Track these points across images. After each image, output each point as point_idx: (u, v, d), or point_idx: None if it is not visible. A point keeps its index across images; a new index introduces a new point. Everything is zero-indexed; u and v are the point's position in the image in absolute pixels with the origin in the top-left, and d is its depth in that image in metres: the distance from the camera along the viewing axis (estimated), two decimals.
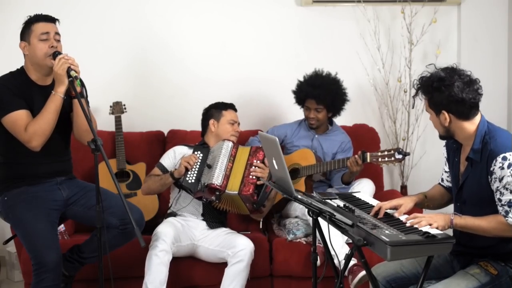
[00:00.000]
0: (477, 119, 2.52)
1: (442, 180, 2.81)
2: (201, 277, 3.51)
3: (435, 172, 4.24)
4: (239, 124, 3.73)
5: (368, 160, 3.51)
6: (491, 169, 2.43)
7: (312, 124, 3.95)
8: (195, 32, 4.49)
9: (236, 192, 3.37)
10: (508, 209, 2.40)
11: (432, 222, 2.40)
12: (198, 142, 3.74)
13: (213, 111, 3.69)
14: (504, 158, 2.40)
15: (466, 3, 4.59)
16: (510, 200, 2.39)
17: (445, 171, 2.78)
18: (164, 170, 3.56)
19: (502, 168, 2.40)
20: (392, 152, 3.41)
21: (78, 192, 3.18)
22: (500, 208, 2.42)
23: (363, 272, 3.37)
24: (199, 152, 3.51)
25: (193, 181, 3.40)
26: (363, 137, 4.24)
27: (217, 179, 3.36)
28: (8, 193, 3.08)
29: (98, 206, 2.72)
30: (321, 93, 3.86)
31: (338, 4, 4.56)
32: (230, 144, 3.52)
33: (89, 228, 3.34)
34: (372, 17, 4.53)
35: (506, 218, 2.39)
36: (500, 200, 2.42)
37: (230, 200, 3.45)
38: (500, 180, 2.41)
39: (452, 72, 2.49)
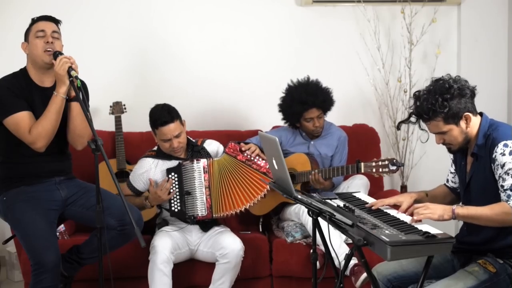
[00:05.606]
0: (478, 116, 2.59)
1: (447, 180, 2.84)
2: (201, 277, 3.51)
3: (435, 172, 4.24)
4: (179, 135, 3.41)
5: (362, 171, 3.50)
6: (493, 156, 2.47)
7: (318, 133, 3.88)
8: (195, 32, 4.49)
9: (224, 214, 3.45)
10: (510, 193, 2.41)
11: (432, 214, 2.41)
12: (155, 147, 3.59)
13: (152, 126, 3.47)
14: (506, 145, 2.44)
15: (466, 3, 4.59)
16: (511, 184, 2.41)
17: (451, 172, 2.80)
18: (136, 192, 3.53)
19: (503, 155, 2.43)
20: (386, 162, 3.41)
21: (77, 192, 3.18)
22: (502, 194, 2.43)
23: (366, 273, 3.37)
24: (173, 174, 3.44)
25: (178, 209, 3.44)
26: (363, 137, 4.24)
27: (201, 210, 3.43)
28: (7, 193, 3.08)
29: (98, 206, 2.72)
30: (321, 99, 3.78)
31: (338, 4, 4.55)
32: (201, 166, 3.44)
33: (89, 228, 3.34)
34: (372, 17, 4.52)
35: (509, 202, 2.40)
36: (502, 186, 2.44)
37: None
38: (502, 166, 2.43)
39: (439, 80, 2.55)
